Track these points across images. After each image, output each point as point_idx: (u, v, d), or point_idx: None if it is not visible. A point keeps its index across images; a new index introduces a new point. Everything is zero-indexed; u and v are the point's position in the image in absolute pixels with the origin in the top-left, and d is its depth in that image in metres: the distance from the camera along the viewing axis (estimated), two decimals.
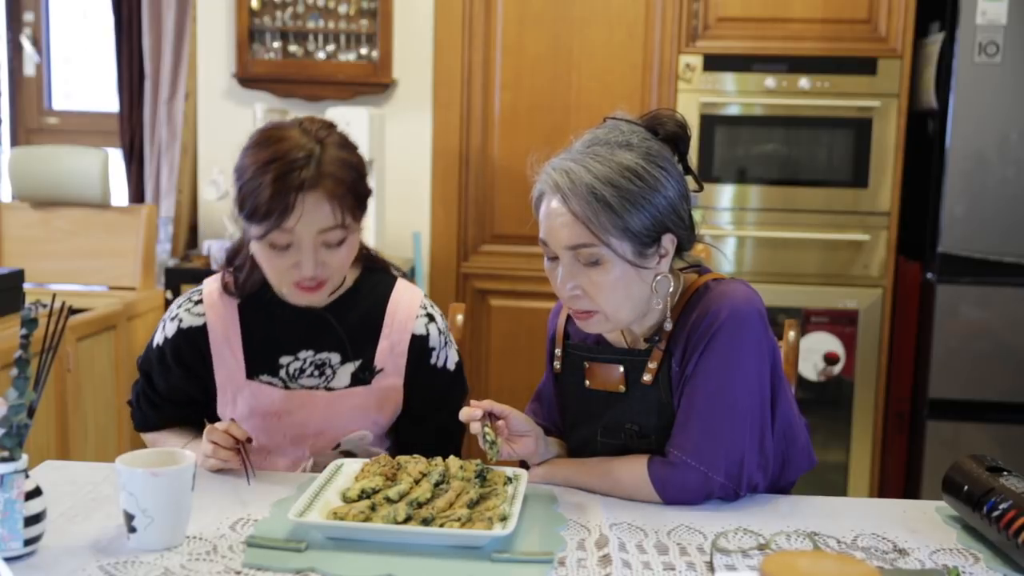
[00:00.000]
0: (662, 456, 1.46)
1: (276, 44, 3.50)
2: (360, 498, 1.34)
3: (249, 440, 1.53)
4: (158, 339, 1.66)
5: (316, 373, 1.62)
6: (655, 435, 1.49)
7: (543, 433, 1.56)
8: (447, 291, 3.47)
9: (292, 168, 1.45)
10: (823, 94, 3.24)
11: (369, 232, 3.02)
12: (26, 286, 2.84)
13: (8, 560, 1.17)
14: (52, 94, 4.08)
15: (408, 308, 1.65)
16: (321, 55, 3.49)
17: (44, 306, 1.30)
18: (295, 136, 1.49)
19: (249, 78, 3.49)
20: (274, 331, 1.62)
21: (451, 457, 1.46)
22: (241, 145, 1.58)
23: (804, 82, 3.24)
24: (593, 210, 1.38)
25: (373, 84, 3.47)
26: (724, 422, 1.43)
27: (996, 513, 1.26)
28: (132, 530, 1.24)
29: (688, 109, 3.26)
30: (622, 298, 1.43)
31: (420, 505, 1.32)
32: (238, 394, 1.63)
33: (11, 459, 1.21)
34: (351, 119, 3.05)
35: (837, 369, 3.29)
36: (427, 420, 1.68)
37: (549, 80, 3.39)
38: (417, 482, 1.38)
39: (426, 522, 1.28)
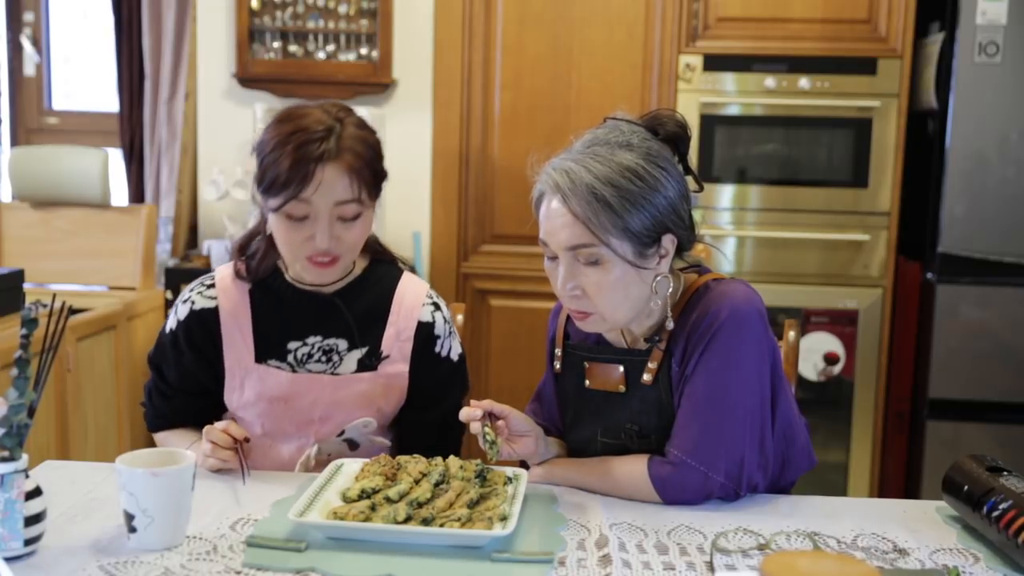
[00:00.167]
0: (662, 456, 1.46)
1: (276, 44, 3.50)
2: (360, 498, 1.35)
3: (247, 440, 1.54)
4: (171, 324, 1.69)
5: (323, 359, 1.65)
6: (655, 435, 1.49)
7: (543, 433, 1.56)
8: (447, 291, 3.47)
9: (312, 140, 1.50)
10: (823, 94, 3.24)
11: None
12: (26, 286, 2.84)
13: (8, 560, 1.17)
14: (52, 94, 4.08)
15: (415, 297, 1.70)
16: (321, 55, 3.49)
17: (44, 306, 1.30)
18: (316, 113, 1.55)
19: (249, 78, 3.49)
20: (283, 316, 1.65)
21: (451, 457, 1.46)
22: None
23: (804, 82, 3.24)
24: (593, 210, 1.38)
25: (373, 84, 3.47)
26: (724, 422, 1.43)
27: (996, 513, 1.26)
28: (132, 530, 1.24)
29: (688, 109, 3.26)
30: (621, 298, 1.43)
31: (420, 505, 1.32)
32: (246, 378, 1.65)
33: (11, 459, 1.21)
34: None
35: (837, 369, 3.29)
36: (429, 411, 1.70)
37: (549, 80, 3.39)
38: (417, 482, 1.38)
39: (426, 522, 1.28)
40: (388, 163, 1.65)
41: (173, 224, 3.69)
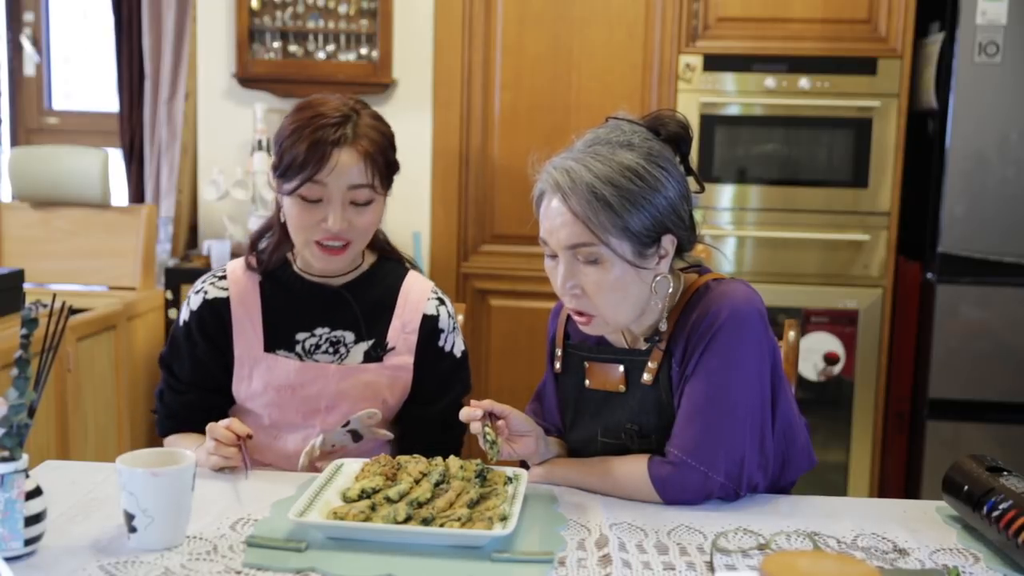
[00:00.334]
0: (662, 456, 1.46)
1: (276, 44, 3.50)
2: (360, 498, 1.35)
3: (249, 436, 1.56)
4: (184, 316, 1.73)
5: (331, 350, 1.69)
6: (655, 435, 1.50)
7: (543, 433, 1.56)
8: (447, 291, 3.45)
9: (330, 125, 1.57)
10: (823, 94, 3.24)
11: None
12: (26, 286, 2.84)
13: (8, 560, 1.17)
14: (52, 94, 4.08)
15: (420, 292, 1.74)
16: (321, 55, 3.49)
17: (44, 306, 1.30)
18: (334, 102, 1.62)
19: (249, 78, 3.49)
20: (292, 307, 1.70)
21: (451, 457, 1.46)
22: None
23: (804, 82, 3.24)
24: (593, 209, 1.38)
25: (373, 84, 3.47)
26: (724, 422, 1.43)
27: (996, 513, 1.26)
28: (132, 530, 1.24)
29: (688, 109, 3.26)
30: (620, 298, 1.43)
31: (420, 505, 1.32)
32: (255, 367, 1.68)
33: (11, 459, 1.21)
34: None
35: (837, 369, 3.29)
36: (432, 406, 1.72)
37: (549, 80, 3.39)
38: (417, 482, 1.38)
39: (426, 522, 1.28)
40: None
41: (173, 224, 3.69)
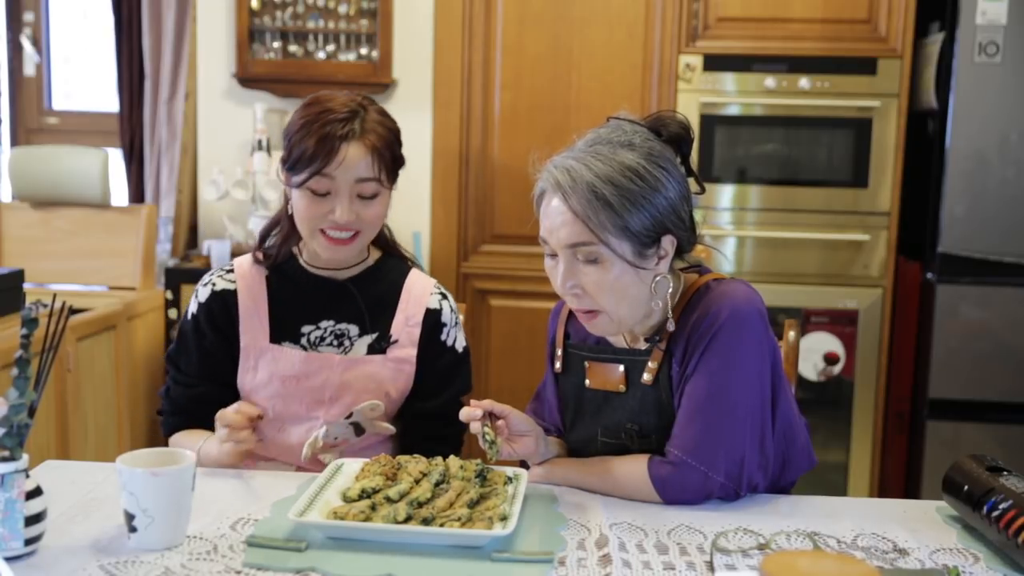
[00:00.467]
0: (662, 456, 1.46)
1: (276, 44, 3.50)
2: (360, 498, 1.35)
3: (260, 417, 1.60)
4: (192, 309, 1.75)
5: (335, 343, 1.72)
6: (655, 435, 1.50)
7: (543, 433, 1.56)
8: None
9: (338, 120, 1.61)
10: (823, 94, 3.24)
11: None
12: (26, 286, 2.84)
13: (8, 560, 1.17)
14: (52, 94, 4.08)
15: (423, 286, 1.79)
16: (321, 55, 3.49)
17: (44, 306, 1.30)
18: (342, 98, 1.66)
19: (249, 78, 3.49)
20: (298, 300, 1.73)
21: (451, 457, 1.47)
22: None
23: (804, 82, 3.24)
24: (593, 208, 1.38)
25: (373, 84, 3.47)
26: (724, 422, 1.43)
27: (996, 513, 1.26)
28: (132, 530, 1.24)
29: (688, 109, 3.26)
30: (620, 298, 1.43)
31: (420, 505, 1.32)
32: (260, 358, 1.70)
33: (11, 459, 1.21)
34: None
35: (837, 369, 3.29)
36: (433, 399, 1.74)
37: (549, 80, 3.39)
38: (417, 482, 1.39)
39: (426, 522, 1.28)
40: None
41: (173, 224, 3.69)
